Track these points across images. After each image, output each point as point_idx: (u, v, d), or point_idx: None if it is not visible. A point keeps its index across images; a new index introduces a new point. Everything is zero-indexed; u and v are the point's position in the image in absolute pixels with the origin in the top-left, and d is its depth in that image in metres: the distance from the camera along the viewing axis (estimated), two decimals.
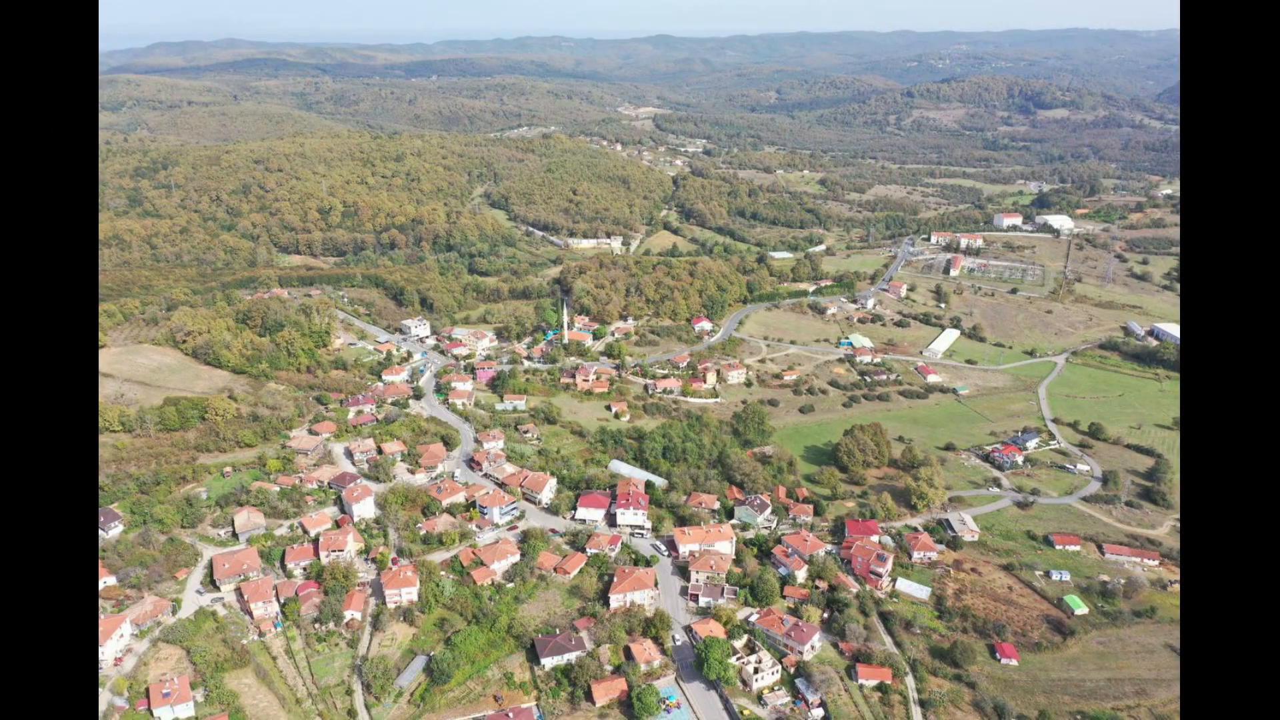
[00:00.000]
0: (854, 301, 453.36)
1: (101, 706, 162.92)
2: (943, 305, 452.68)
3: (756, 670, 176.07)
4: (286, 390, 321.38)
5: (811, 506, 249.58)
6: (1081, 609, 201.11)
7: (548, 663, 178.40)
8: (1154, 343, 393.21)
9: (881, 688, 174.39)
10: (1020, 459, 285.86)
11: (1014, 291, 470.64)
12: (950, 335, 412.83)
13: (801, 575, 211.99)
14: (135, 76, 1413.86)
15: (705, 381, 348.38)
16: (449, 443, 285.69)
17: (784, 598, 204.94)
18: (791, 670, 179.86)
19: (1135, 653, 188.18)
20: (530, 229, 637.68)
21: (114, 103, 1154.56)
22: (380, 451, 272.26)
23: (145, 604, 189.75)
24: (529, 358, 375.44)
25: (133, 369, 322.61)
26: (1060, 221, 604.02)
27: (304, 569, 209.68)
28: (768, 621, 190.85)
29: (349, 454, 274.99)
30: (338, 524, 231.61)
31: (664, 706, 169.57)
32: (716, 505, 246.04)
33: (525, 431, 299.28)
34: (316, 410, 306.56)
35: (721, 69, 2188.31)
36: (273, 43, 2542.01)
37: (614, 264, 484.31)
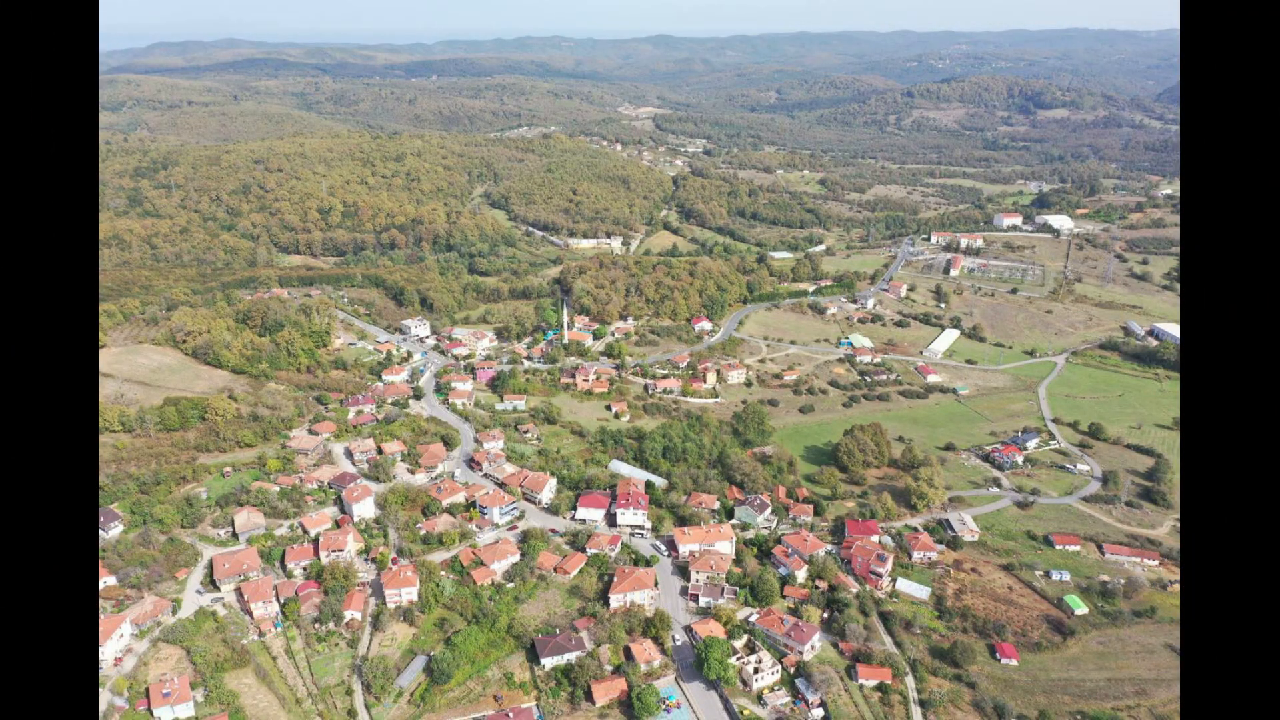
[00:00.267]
0: (854, 301, 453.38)
1: (101, 706, 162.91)
2: (943, 305, 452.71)
3: (756, 670, 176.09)
4: (286, 390, 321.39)
5: (811, 506, 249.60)
6: (1081, 609, 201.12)
7: (548, 663, 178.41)
8: (1154, 343, 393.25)
9: (881, 688, 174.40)
10: (1020, 459, 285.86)
11: (1014, 291, 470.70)
12: (950, 335, 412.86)
13: (801, 575, 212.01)
14: (135, 76, 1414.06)
15: (705, 381, 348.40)
16: (449, 443, 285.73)
17: (784, 598, 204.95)
18: (791, 670, 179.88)
19: (1135, 653, 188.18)
20: (530, 229, 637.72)
21: (114, 103, 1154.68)
22: (380, 451, 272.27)
23: (145, 604, 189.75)
24: (529, 358, 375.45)
25: (133, 369, 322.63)
26: (1060, 221, 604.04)
27: (304, 569, 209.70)
28: (768, 621, 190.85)
29: (349, 454, 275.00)
30: (338, 524, 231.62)
31: (664, 706, 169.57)
32: (716, 505, 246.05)
33: (525, 431, 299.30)
34: (316, 410, 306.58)
35: (721, 69, 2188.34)
36: (273, 43, 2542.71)
37: (614, 264, 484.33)
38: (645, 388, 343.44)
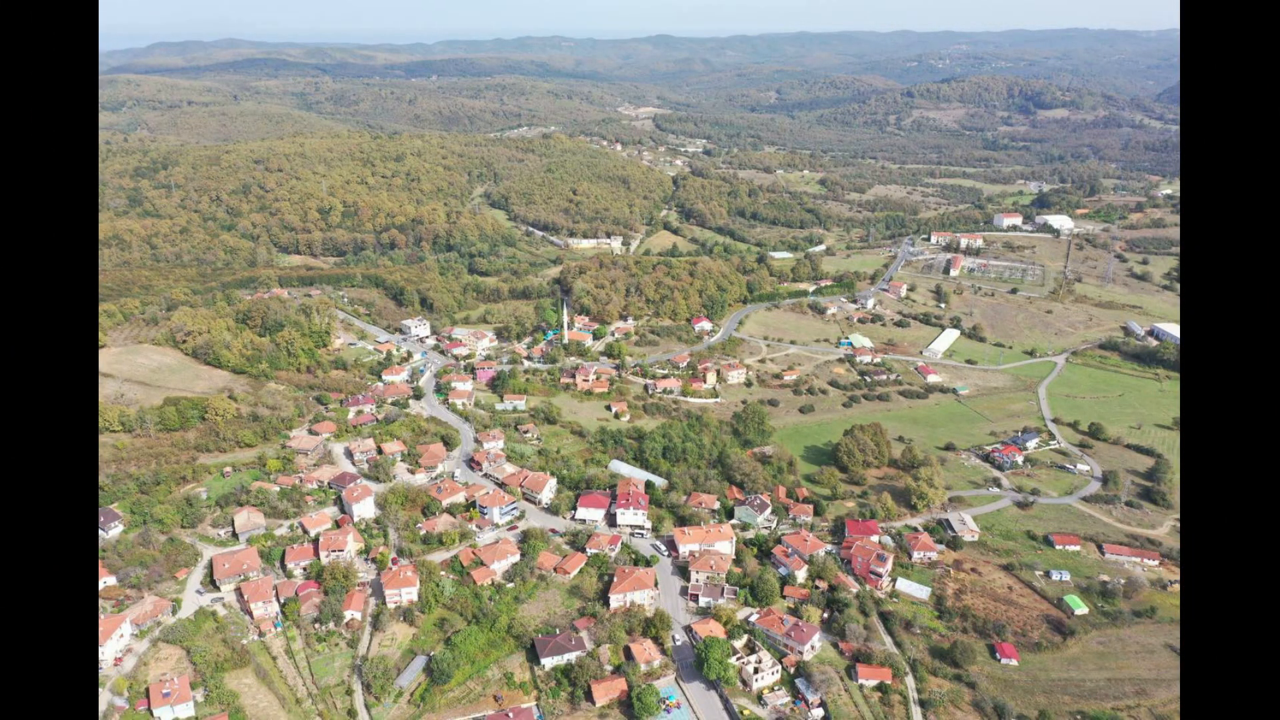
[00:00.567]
0: (854, 301, 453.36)
1: (101, 706, 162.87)
2: (943, 305, 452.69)
3: (756, 670, 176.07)
4: (286, 390, 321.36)
5: (811, 506, 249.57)
6: (1081, 609, 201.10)
7: (548, 663, 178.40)
8: (1154, 343, 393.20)
9: (881, 688, 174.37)
10: (1020, 459, 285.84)
11: (1014, 291, 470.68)
12: (950, 335, 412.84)
13: (801, 575, 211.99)
14: (135, 76, 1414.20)
15: (705, 381, 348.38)
16: (449, 443, 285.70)
17: (784, 598, 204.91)
18: (791, 670, 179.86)
19: (1135, 653, 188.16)
20: (530, 229, 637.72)
21: (114, 103, 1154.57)
22: (380, 451, 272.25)
23: (145, 604, 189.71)
24: (529, 358, 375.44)
25: (133, 369, 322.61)
26: (1060, 221, 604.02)
27: (304, 569, 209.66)
28: (768, 621, 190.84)
29: (349, 454, 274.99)
30: (338, 524, 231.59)
31: (664, 706, 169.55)
32: (716, 505, 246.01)
33: (525, 431, 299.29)
34: (316, 410, 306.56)
35: (721, 69, 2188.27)
36: (273, 43, 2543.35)
37: (614, 264, 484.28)
38: (645, 388, 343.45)
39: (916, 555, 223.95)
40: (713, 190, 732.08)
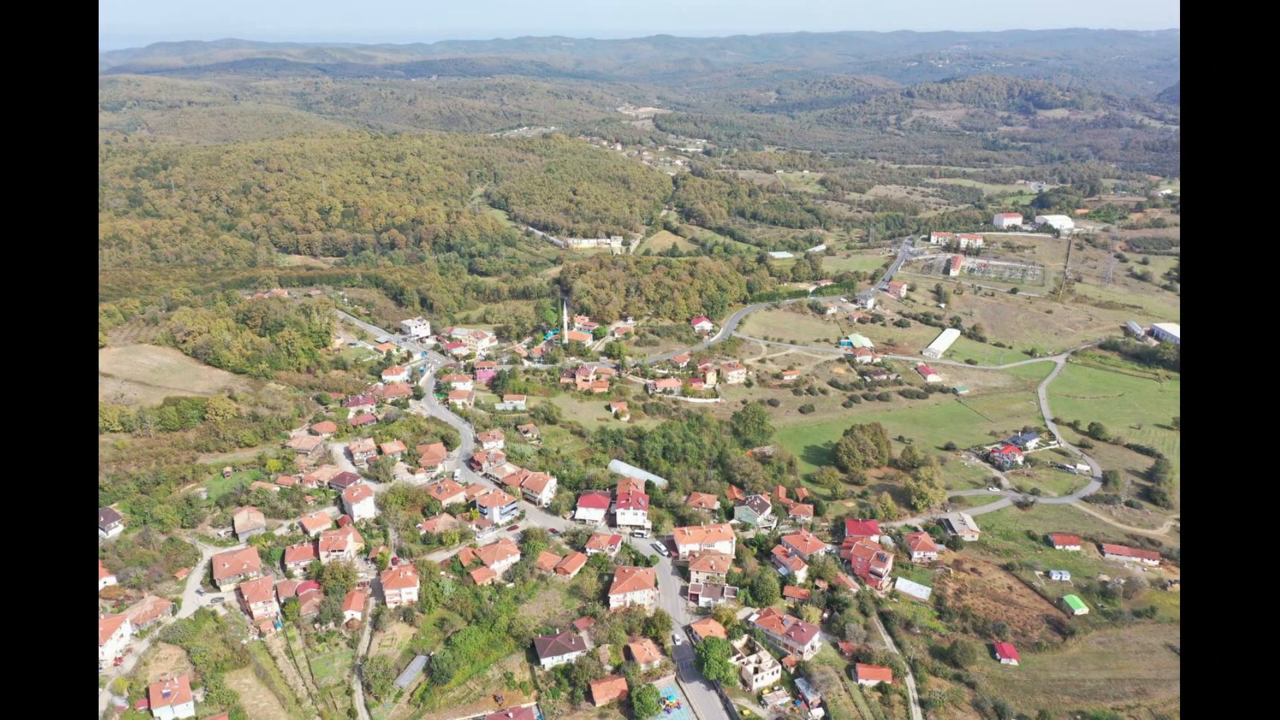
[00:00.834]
0: (854, 301, 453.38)
1: (101, 706, 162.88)
2: (943, 305, 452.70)
3: (756, 670, 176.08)
4: (286, 390, 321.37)
5: (811, 506, 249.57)
6: (1081, 609, 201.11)
7: (548, 663, 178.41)
8: (1154, 343, 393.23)
9: (881, 688, 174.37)
10: (1020, 459, 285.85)
11: (1014, 291, 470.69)
12: (950, 335, 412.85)
13: (801, 575, 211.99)
14: (135, 76, 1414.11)
15: (705, 381, 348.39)
16: (449, 443, 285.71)
17: (784, 598, 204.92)
18: (791, 670, 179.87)
19: (1135, 653, 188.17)
20: (530, 229, 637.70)
21: (114, 103, 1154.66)
22: (380, 451, 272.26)
23: (145, 604, 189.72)
24: (529, 358, 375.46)
25: (133, 369, 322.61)
26: (1060, 221, 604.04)
27: (304, 569, 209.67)
28: (768, 621, 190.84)
29: (349, 454, 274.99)
30: (338, 524, 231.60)
31: (664, 706, 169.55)
32: (716, 505, 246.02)
33: (525, 431, 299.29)
34: (316, 410, 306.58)
35: (721, 69, 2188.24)
36: (273, 43, 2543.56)
37: (614, 264, 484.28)
38: (645, 388, 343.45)
39: (916, 555, 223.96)
40: (713, 190, 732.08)
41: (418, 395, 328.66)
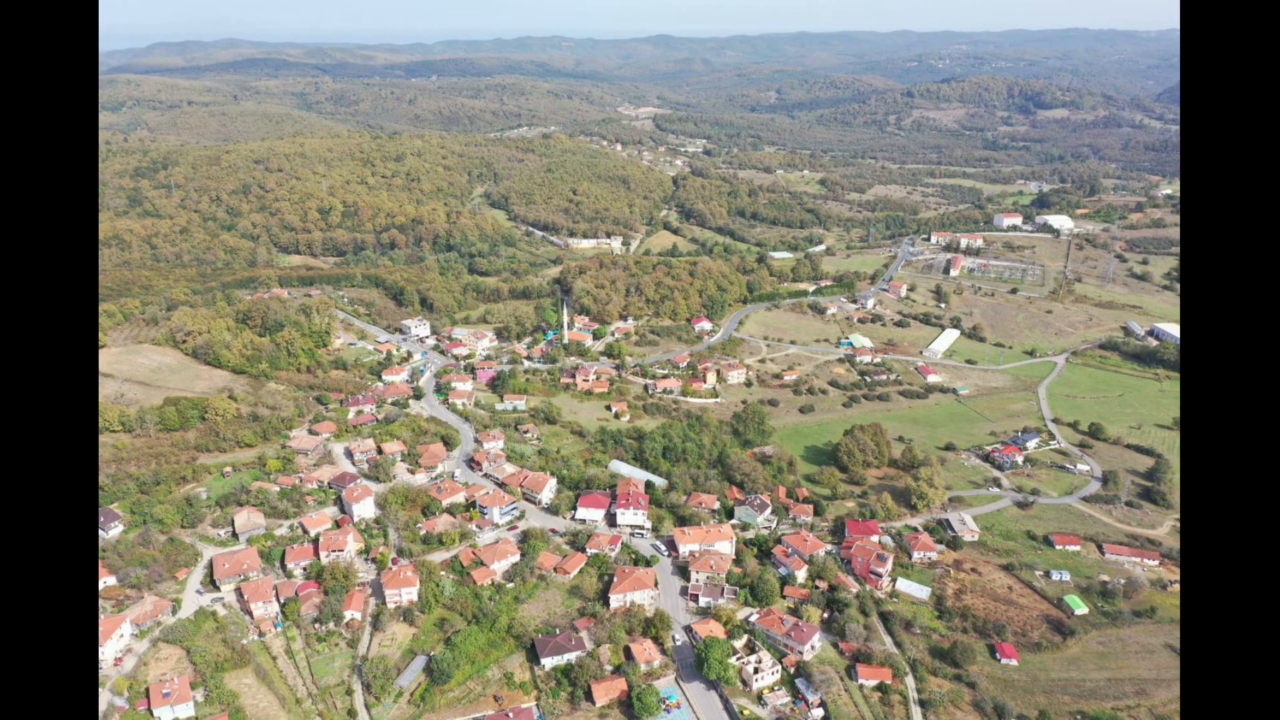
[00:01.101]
0: (854, 301, 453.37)
1: (101, 706, 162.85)
2: (943, 305, 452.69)
3: (756, 670, 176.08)
4: (286, 390, 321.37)
5: (811, 506, 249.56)
6: (1081, 609, 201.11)
7: (548, 663, 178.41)
8: (1154, 343, 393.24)
9: (881, 688, 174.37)
10: (1020, 459, 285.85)
11: (1014, 291, 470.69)
12: (950, 335, 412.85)
13: (801, 575, 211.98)
14: (135, 76, 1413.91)
15: (705, 381, 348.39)
16: (449, 443, 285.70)
17: (784, 598, 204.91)
18: (791, 670, 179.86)
19: (1135, 653, 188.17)
20: (530, 229, 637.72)
21: (114, 103, 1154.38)
22: (380, 451, 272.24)
23: (145, 604, 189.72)
24: (529, 358, 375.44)
25: (133, 369, 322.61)
26: (1060, 221, 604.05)
27: (304, 569, 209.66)
28: (768, 621, 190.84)
29: (349, 454, 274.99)
30: (338, 524, 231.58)
31: (664, 706, 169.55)
32: (716, 505, 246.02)
33: (525, 431, 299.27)
34: (316, 410, 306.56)
35: (721, 69, 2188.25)
36: (273, 43, 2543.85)
37: (614, 264, 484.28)
38: (645, 388, 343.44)
39: (916, 555, 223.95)
40: (713, 190, 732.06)
41: (418, 395, 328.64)
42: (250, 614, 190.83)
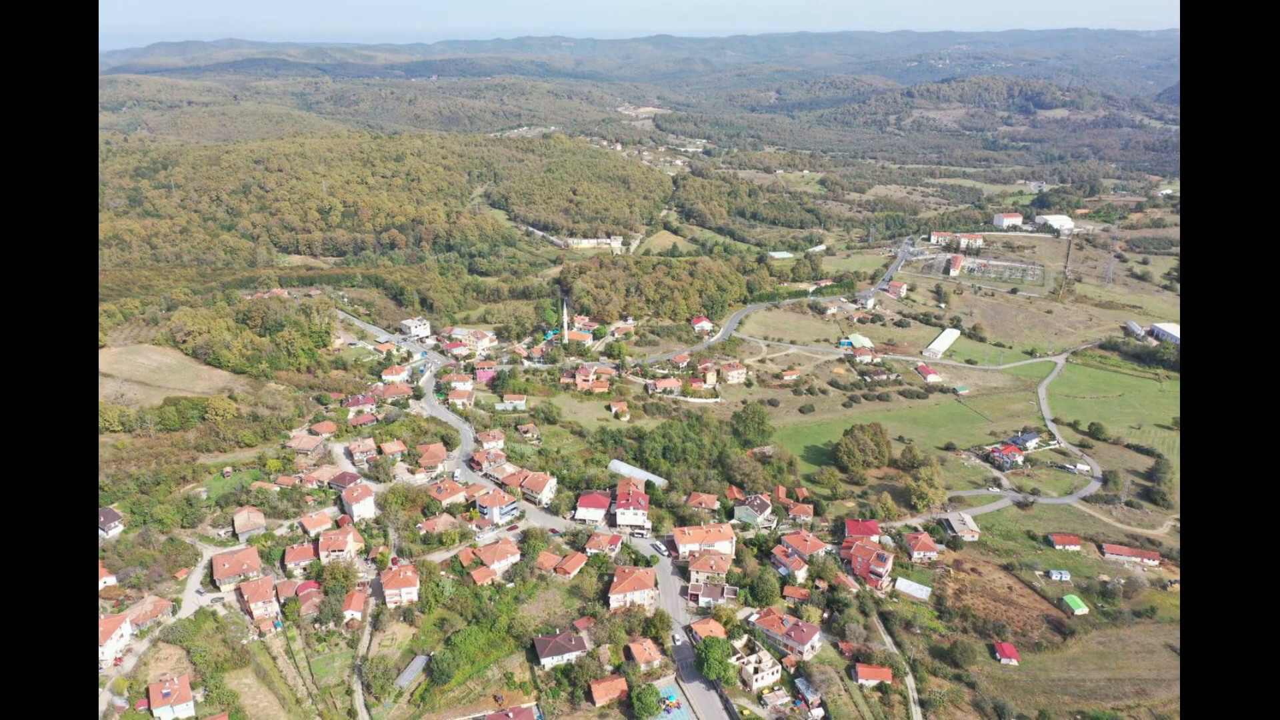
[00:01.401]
0: (854, 301, 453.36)
1: (101, 706, 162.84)
2: (943, 305, 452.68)
3: (756, 670, 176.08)
4: (286, 390, 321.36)
5: (811, 506, 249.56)
6: (1081, 609, 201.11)
7: (548, 663, 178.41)
8: (1154, 343, 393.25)
9: (881, 688, 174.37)
10: (1020, 459, 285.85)
11: (1014, 291, 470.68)
12: (950, 335, 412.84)
13: (801, 575, 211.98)
14: (135, 76, 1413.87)
15: (705, 381, 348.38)
16: (449, 443, 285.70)
17: (784, 598, 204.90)
18: (791, 670, 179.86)
19: (1135, 653, 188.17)
20: (530, 229, 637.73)
21: (114, 103, 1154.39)
22: (380, 451, 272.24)
23: (145, 604, 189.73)
24: (529, 358, 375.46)
25: (133, 369, 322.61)
26: (1060, 221, 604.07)
27: (304, 569, 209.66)
28: (768, 621, 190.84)
29: (349, 454, 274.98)
30: (338, 524, 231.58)
31: (664, 706, 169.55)
32: (716, 505, 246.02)
33: (525, 431, 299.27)
34: (316, 410, 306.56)
35: (721, 69, 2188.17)
36: (273, 43, 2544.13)
37: (614, 264, 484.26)
38: (645, 388, 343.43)
39: (916, 555, 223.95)
40: (713, 190, 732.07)
41: (418, 395, 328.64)
42: (250, 614, 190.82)
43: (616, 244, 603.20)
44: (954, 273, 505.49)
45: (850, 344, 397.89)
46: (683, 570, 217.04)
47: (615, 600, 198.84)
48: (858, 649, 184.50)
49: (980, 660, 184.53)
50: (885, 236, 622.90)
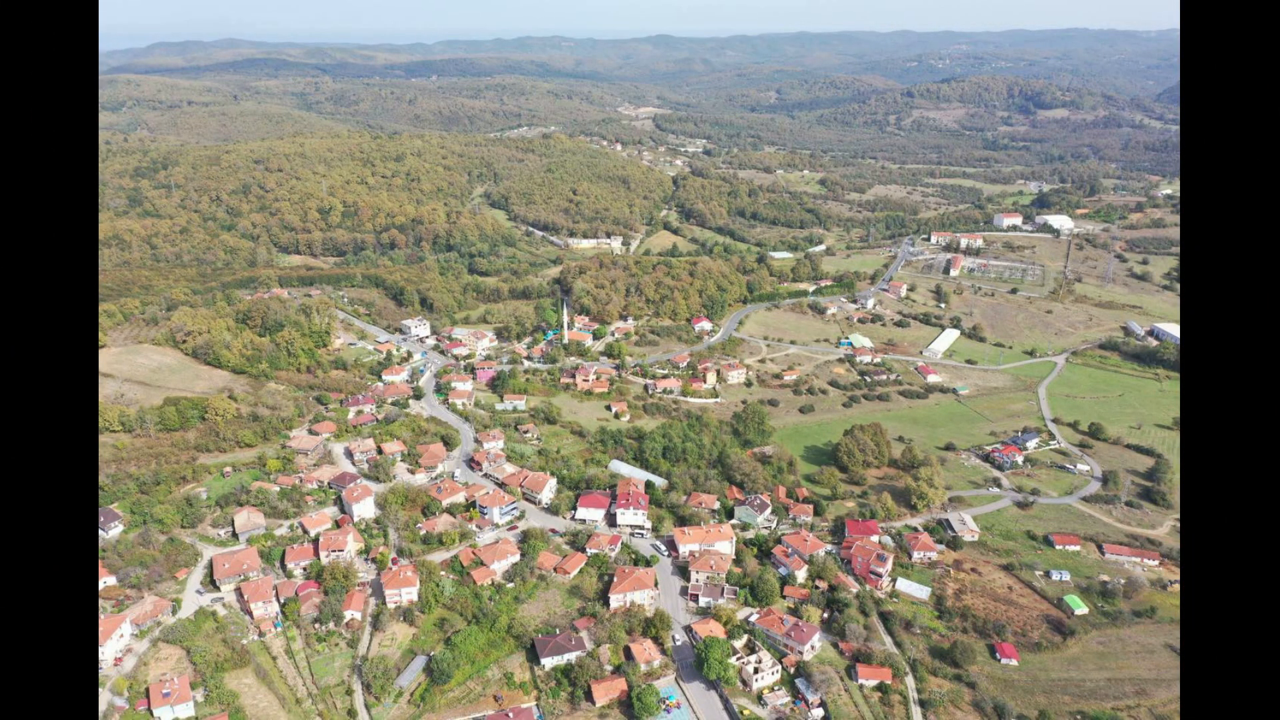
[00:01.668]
0: (854, 301, 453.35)
1: (101, 706, 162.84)
2: (943, 305, 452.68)
3: (756, 670, 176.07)
4: (286, 390, 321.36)
5: (811, 506, 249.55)
6: (1081, 609, 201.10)
7: (548, 663, 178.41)
8: (1154, 343, 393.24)
9: (881, 688, 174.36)
10: (1020, 459, 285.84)
11: (1014, 291, 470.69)
12: (950, 335, 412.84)
13: (801, 575, 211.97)
14: (135, 76, 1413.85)
15: (705, 381, 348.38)
16: (449, 443, 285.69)
17: (784, 598, 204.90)
18: (791, 670, 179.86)
19: (1135, 653, 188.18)
20: (530, 229, 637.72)
21: (114, 103, 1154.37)
22: (380, 451, 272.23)
23: (145, 604, 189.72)
24: (529, 358, 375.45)
25: (133, 369, 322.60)
26: (1060, 221, 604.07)
27: (304, 569, 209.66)
28: (768, 621, 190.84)
29: (349, 454, 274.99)
30: (338, 524, 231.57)
31: (664, 706, 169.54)
32: (716, 505, 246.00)
33: (525, 431, 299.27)
34: (316, 410, 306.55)
35: (721, 69, 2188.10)
36: (273, 43, 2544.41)
37: (614, 264, 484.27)
38: (645, 388, 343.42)
39: (916, 555, 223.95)
40: (713, 190, 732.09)
41: (418, 395, 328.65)
42: (250, 614, 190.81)
43: (616, 244, 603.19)
44: (954, 273, 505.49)
45: (850, 344, 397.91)
46: (683, 570, 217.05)
47: (615, 600, 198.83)
48: (858, 649, 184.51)
49: (980, 660, 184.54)
50: (885, 236, 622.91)
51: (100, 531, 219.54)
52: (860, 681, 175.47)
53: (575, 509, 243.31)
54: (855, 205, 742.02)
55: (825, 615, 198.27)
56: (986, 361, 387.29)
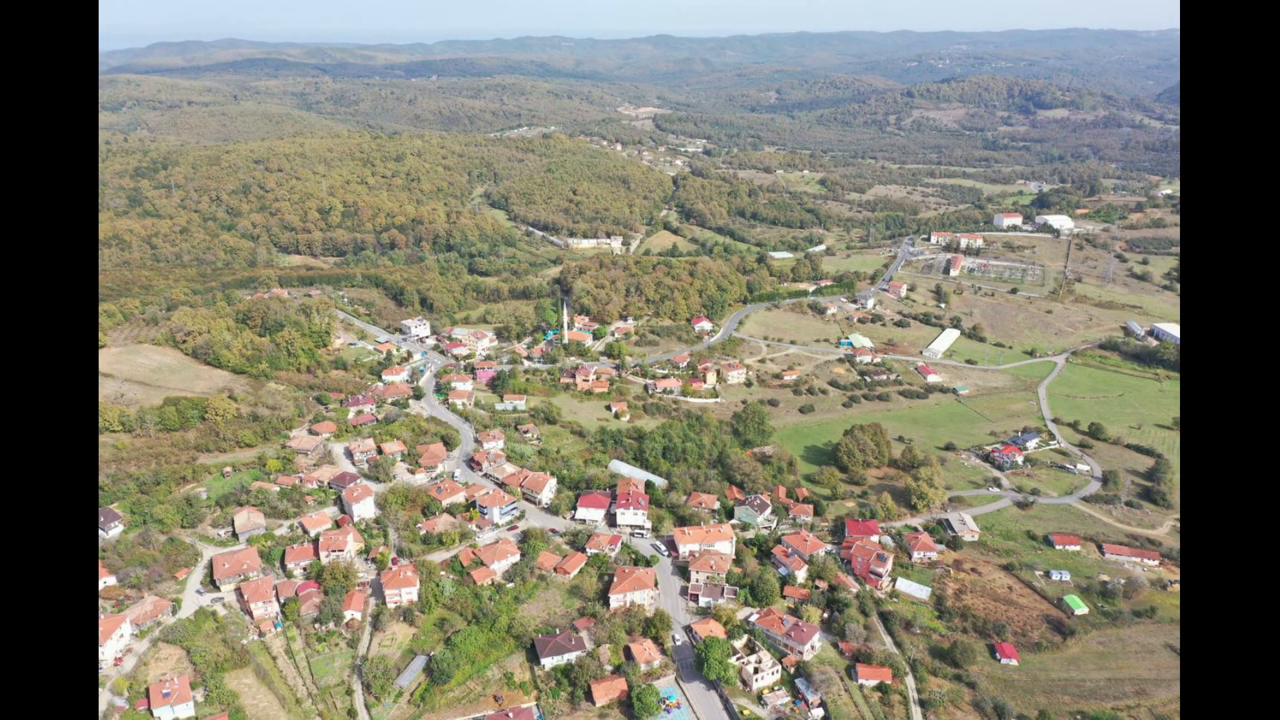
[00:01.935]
0: (854, 301, 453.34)
1: (101, 706, 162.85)
2: (943, 305, 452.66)
3: (756, 670, 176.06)
4: (286, 390, 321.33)
5: (811, 506, 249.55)
6: (1081, 609, 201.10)
7: (548, 663, 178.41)
8: (1154, 343, 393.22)
9: (881, 688, 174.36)
10: (1020, 459, 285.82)
11: (1014, 291, 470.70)
12: (950, 335, 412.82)
13: (801, 575, 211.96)
14: (135, 76, 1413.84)
15: (705, 381, 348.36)
16: (449, 443, 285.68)
17: (784, 598, 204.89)
18: (791, 670, 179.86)
19: (1135, 653, 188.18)
20: (530, 229, 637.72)
21: (114, 103, 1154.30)
22: (380, 451, 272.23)
23: (145, 604, 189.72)
24: (529, 358, 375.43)
25: (133, 369, 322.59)
26: (1060, 221, 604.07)
27: (304, 569, 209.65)
28: (768, 621, 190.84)
29: (349, 454, 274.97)
30: (338, 524, 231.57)
31: (664, 706, 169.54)
32: (716, 505, 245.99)
33: (525, 431, 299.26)
34: (316, 410, 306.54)
35: (721, 69, 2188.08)
36: (273, 43, 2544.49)
37: (614, 264, 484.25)
38: (645, 388, 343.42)
39: (916, 555, 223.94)
40: (713, 190, 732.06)
41: (418, 395, 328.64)
42: (250, 614, 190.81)
43: (616, 244, 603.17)
44: (954, 273, 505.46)
45: (850, 344, 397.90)
46: (683, 570, 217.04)
47: (615, 600, 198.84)
48: (858, 649, 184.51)
49: (980, 660, 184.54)
50: (885, 236, 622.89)
51: (100, 531, 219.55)
52: (860, 681, 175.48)
53: (575, 509, 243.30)
54: (855, 205, 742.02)
55: (825, 615, 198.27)
56: (986, 361, 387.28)
